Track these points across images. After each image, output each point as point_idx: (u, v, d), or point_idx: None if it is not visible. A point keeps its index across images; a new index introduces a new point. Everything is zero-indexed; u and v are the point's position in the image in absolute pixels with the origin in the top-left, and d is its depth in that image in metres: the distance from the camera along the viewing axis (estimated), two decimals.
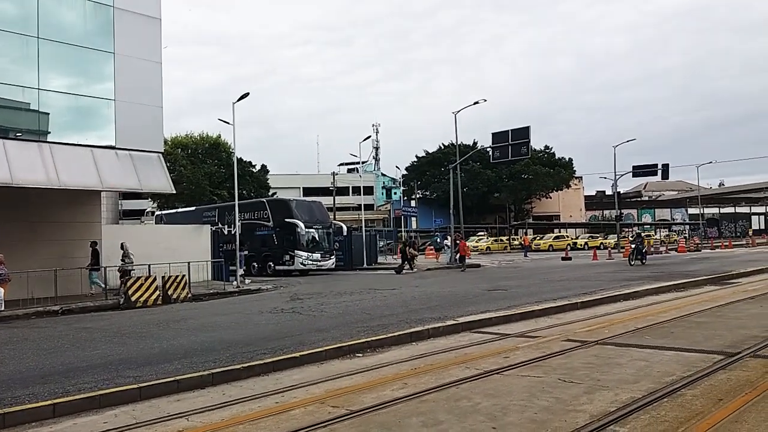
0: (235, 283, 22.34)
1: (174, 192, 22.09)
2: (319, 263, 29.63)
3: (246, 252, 25.59)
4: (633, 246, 28.68)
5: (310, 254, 29.23)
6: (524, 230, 67.38)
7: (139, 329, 12.47)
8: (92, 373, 8.09)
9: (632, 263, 27.11)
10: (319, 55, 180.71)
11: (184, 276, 19.24)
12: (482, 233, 64.40)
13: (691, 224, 77.83)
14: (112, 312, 16.48)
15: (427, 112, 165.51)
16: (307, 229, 29.12)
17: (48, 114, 18.45)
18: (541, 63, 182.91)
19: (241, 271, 24.75)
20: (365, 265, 32.74)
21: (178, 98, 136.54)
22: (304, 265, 29.03)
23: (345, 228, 33.33)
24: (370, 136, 40.96)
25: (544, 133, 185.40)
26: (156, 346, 10.21)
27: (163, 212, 40.41)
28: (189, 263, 19.88)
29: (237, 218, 24.29)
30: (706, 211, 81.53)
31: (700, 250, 43.94)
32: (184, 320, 13.72)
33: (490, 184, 67.03)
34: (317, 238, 29.92)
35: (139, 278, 18.08)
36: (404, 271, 27.80)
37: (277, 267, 29.48)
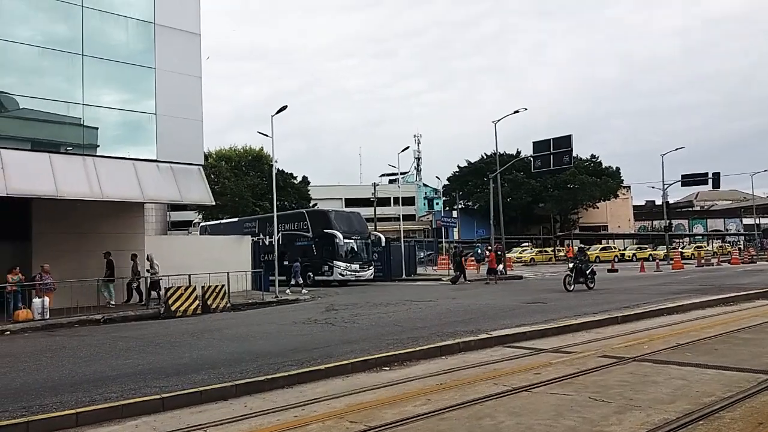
0: (274, 293, 22.51)
1: (213, 204, 22.44)
2: (357, 274, 29.58)
3: (297, 261, 25.94)
4: (571, 264, 21.11)
5: (348, 265, 29.23)
6: (570, 241, 65.95)
7: (173, 339, 12.63)
8: (121, 382, 8.18)
9: (570, 288, 19.94)
10: (362, 67, 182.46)
11: (223, 286, 19.47)
12: (526, 244, 63.31)
13: (746, 235, 74.77)
14: (152, 321, 16.77)
15: (470, 123, 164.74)
16: (345, 240, 29.16)
17: (96, 129, 19.04)
18: (586, 69, 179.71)
19: (299, 280, 25.40)
20: (404, 276, 32.55)
21: (224, 113, 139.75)
22: (343, 275, 29.04)
23: (383, 239, 33.22)
24: (408, 147, 40.72)
25: (590, 141, 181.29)
26: (186, 356, 10.29)
27: (208, 223, 41.21)
28: (228, 273, 20.12)
29: (276, 229, 24.53)
30: (763, 221, 78.23)
31: (755, 262, 42.09)
32: (219, 330, 13.84)
33: (535, 194, 65.93)
34: (356, 249, 29.93)
35: (179, 288, 18.36)
36: (459, 282, 27.67)
37: (317, 277, 29.54)
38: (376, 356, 9.26)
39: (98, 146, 19.01)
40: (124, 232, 21.05)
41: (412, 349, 9.79)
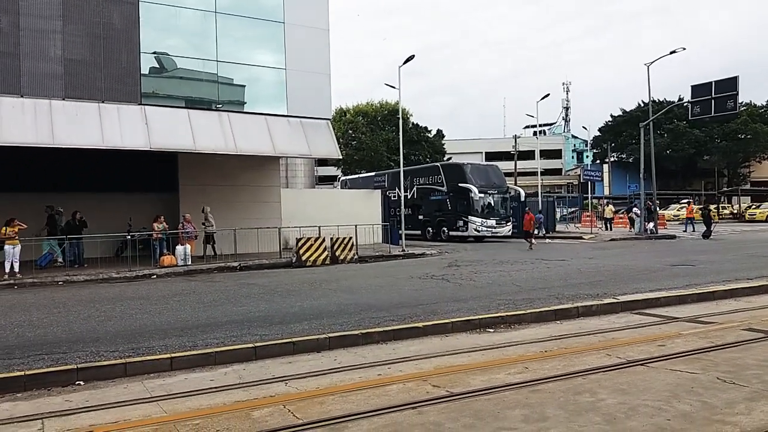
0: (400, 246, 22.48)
1: (340, 157, 22.66)
2: (493, 230, 28.43)
3: (540, 213, 26.68)
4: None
5: (484, 220, 28.14)
6: (738, 197, 59.15)
7: (292, 288, 12.95)
8: (227, 329, 8.42)
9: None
10: (513, 14, 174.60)
11: (351, 238, 19.75)
12: (686, 200, 57.82)
13: None
14: (283, 270, 17.40)
15: (628, 70, 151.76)
16: (481, 194, 28.09)
17: (243, 87, 19.77)
18: None
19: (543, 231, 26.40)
20: (542, 234, 30.99)
21: (373, 70, 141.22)
22: (478, 231, 28.08)
23: (523, 193, 31.74)
24: (548, 94, 38.20)
25: None
26: (297, 305, 10.44)
27: (347, 177, 42.21)
28: (356, 226, 20.37)
29: (402, 183, 24.29)
30: None
31: None
32: (337, 281, 14.00)
33: (699, 146, 59.61)
34: (492, 204, 28.70)
35: (309, 239, 18.88)
36: (709, 236, 27.58)
37: (451, 233, 28.98)
38: (480, 317, 8.70)
39: (245, 103, 19.81)
40: (261, 185, 22.06)
41: (523, 312, 9.09)
